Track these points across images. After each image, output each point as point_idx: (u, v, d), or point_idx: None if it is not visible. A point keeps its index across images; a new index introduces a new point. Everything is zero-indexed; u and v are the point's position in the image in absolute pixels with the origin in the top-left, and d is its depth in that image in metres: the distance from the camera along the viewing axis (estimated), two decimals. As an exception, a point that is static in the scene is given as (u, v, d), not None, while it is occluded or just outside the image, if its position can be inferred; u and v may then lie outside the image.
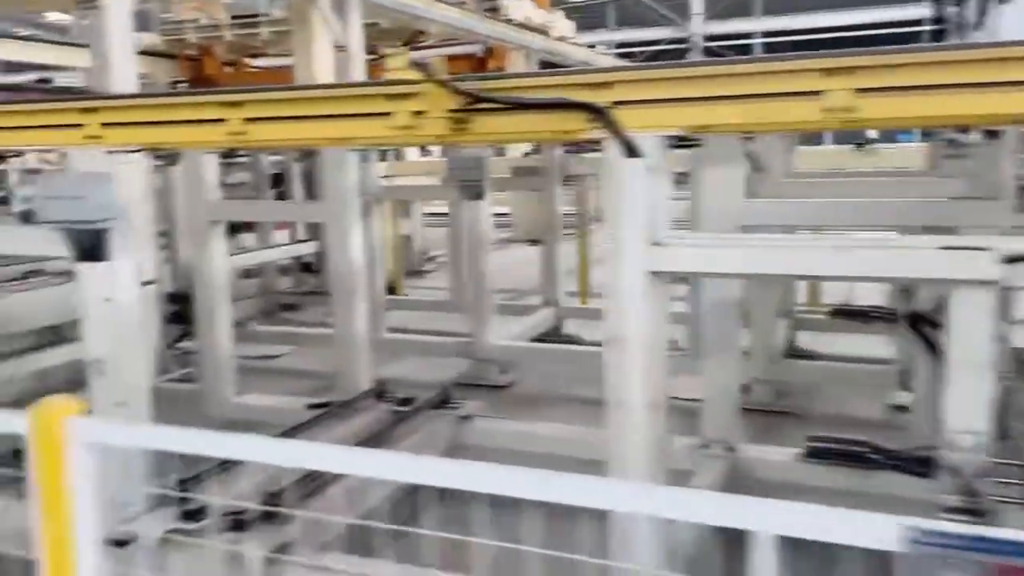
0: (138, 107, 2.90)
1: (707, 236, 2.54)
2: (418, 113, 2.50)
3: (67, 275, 4.88)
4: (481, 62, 11.38)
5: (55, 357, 4.52)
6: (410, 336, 6.23)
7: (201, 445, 1.54)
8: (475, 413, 4.22)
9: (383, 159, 8.64)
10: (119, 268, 2.95)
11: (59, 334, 4.66)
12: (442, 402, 4.18)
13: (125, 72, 5.43)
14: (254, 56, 13.08)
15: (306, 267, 7.92)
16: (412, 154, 12.59)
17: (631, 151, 2.25)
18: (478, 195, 5.40)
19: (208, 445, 1.54)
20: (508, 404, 5.21)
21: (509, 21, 10.75)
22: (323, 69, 7.89)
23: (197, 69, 11.87)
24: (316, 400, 4.48)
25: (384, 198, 8.45)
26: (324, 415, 3.99)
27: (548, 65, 12.55)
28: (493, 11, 10.64)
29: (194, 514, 3.13)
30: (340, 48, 7.85)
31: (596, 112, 2.27)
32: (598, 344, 6.73)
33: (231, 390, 4.59)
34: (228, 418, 4.46)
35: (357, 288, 4.28)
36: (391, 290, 8.04)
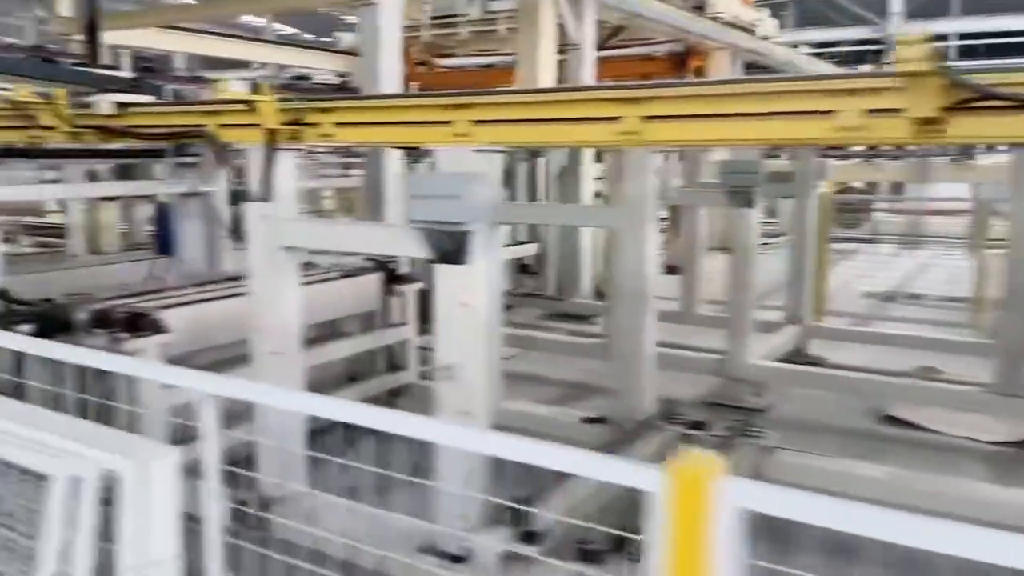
0: (514, 104, 2.73)
1: None
2: (872, 111, 2.18)
3: (338, 268, 4.90)
4: (682, 62, 10.99)
5: (331, 352, 4.51)
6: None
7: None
8: (778, 445, 3.84)
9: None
10: (478, 272, 2.79)
11: (335, 328, 4.67)
12: (743, 430, 3.84)
13: (392, 69, 5.45)
14: (443, 56, 13.30)
15: (524, 268, 7.79)
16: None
17: None
18: (749, 202, 5.01)
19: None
20: (775, 431, 4.79)
21: (717, 19, 10.28)
22: (548, 68, 7.76)
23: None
24: (591, 415, 4.27)
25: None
26: (626, 436, 3.74)
27: (751, 66, 11.95)
28: (698, 9, 10.20)
29: (531, 536, 2.96)
30: (567, 47, 7.70)
31: None
32: (850, 368, 6.07)
33: (498, 395, 4.43)
34: (496, 425, 4.30)
35: (648, 301, 4.00)
36: (599, 295, 7.79)
